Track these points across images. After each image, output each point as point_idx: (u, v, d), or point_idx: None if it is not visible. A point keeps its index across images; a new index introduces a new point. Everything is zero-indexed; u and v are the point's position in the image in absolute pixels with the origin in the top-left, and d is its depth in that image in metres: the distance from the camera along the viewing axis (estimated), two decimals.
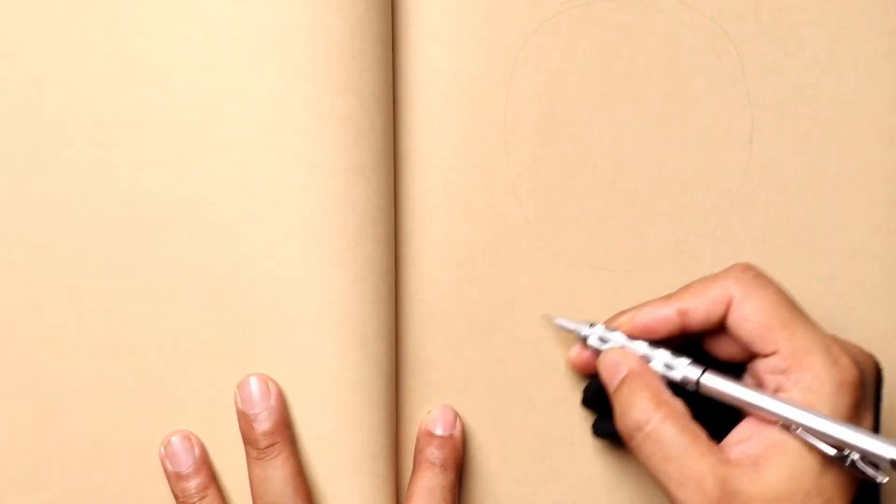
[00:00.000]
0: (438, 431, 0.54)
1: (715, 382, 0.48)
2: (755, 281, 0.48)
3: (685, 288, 0.50)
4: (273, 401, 0.51)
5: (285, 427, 0.51)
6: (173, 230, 0.51)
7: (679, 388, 0.49)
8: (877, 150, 0.56)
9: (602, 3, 0.54)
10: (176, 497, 0.52)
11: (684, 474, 0.46)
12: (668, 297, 0.50)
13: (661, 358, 0.49)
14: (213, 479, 0.52)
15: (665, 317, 0.50)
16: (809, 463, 0.46)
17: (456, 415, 0.54)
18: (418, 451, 0.54)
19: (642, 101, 0.55)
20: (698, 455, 0.46)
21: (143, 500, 0.53)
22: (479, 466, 0.55)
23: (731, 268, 0.49)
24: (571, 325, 0.52)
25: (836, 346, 0.47)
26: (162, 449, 0.52)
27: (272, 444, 0.51)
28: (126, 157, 0.51)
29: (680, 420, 0.47)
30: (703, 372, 0.48)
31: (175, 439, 0.52)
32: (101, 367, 0.52)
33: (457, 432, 0.54)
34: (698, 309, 0.49)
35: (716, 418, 0.48)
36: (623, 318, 0.51)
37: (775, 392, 0.47)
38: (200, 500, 0.51)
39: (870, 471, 0.45)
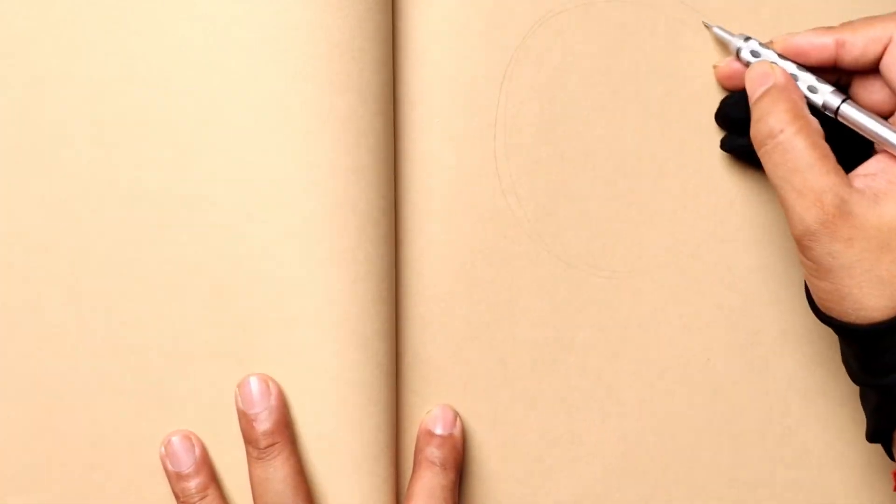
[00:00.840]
0: (438, 431, 0.54)
1: (853, 111, 0.49)
2: None
3: (847, 23, 0.50)
4: (273, 401, 0.51)
5: (285, 427, 0.51)
6: (173, 230, 0.51)
7: (818, 115, 0.49)
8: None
9: (602, 3, 0.54)
10: (176, 497, 0.52)
11: (807, 186, 0.46)
12: (829, 27, 0.50)
13: (807, 80, 0.50)
14: (213, 478, 0.52)
15: (821, 43, 0.50)
16: None
17: (456, 414, 0.54)
18: (418, 450, 0.54)
19: (642, 101, 0.55)
20: (824, 171, 0.46)
21: (143, 500, 0.53)
22: (479, 466, 0.55)
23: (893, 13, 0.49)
24: (727, 36, 0.53)
25: None
26: (162, 449, 0.52)
27: (272, 444, 0.51)
28: (126, 157, 0.51)
29: (813, 136, 0.47)
30: (845, 100, 0.49)
31: (175, 439, 0.52)
32: (101, 367, 0.52)
33: (457, 432, 0.54)
34: (856, 44, 0.49)
35: (848, 153, 0.49)
36: (779, 37, 0.51)
37: None
38: (201, 499, 0.51)
39: None
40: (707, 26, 0.54)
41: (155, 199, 0.51)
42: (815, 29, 0.50)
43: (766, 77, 0.50)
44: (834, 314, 0.48)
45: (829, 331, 0.53)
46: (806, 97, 0.50)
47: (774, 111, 0.48)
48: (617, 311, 0.55)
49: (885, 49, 0.48)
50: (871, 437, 0.49)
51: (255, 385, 0.51)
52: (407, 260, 0.54)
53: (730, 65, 0.53)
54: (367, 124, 0.51)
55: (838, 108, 0.49)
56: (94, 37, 0.51)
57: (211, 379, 0.52)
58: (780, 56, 0.51)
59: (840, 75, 0.51)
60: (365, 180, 0.51)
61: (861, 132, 0.49)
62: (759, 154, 0.49)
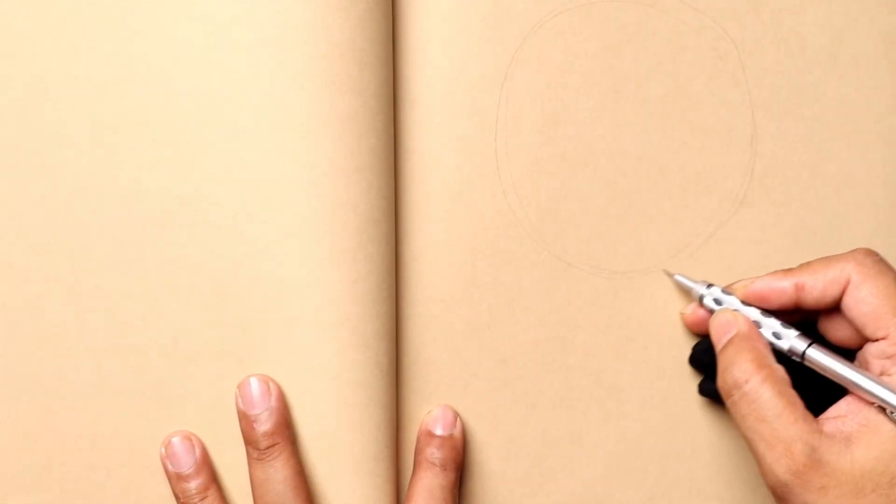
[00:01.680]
0: (438, 431, 0.54)
1: (820, 356, 0.49)
2: (875, 266, 0.49)
3: (805, 265, 0.50)
4: (274, 401, 0.51)
5: (286, 427, 0.51)
6: (174, 230, 0.51)
7: (784, 360, 0.49)
8: (877, 150, 0.56)
9: (603, 3, 0.54)
10: (176, 497, 0.52)
11: (775, 436, 0.46)
12: (788, 270, 0.51)
13: (771, 326, 0.50)
14: (213, 479, 0.52)
15: (781, 288, 0.50)
16: None
17: (456, 414, 0.54)
18: (418, 450, 0.54)
19: (643, 101, 0.55)
20: (792, 420, 0.47)
21: (143, 500, 0.53)
22: (480, 466, 0.55)
23: (853, 251, 0.50)
24: (690, 284, 0.54)
25: None
26: (163, 449, 0.52)
27: (273, 445, 0.50)
28: (126, 157, 0.51)
29: (779, 385, 0.48)
30: (810, 344, 0.49)
31: (176, 440, 0.52)
32: (101, 367, 0.52)
33: (457, 432, 0.54)
34: (815, 286, 0.50)
35: (816, 396, 0.49)
36: (739, 284, 0.52)
37: (880, 376, 0.48)
38: (201, 500, 0.51)
39: None
40: (668, 274, 0.55)
41: (155, 199, 0.51)
42: (774, 273, 0.51)
43: (728, 326, 0.50)
44: None
45: None
46: (771, 343, 0.50)
47: (738, 361, 0.48)
48: (617, 311, 0.55)
49: (843, 290, 0.49)
50: None
51: (255, 386, 0.51)
52: (407, 260, 0.54)
53: (695, 312, 0.54)
54: (367, 124, 0.51)
55: (804, 353, 0.49)
56: (94, 37, 0.50)
57: (211, 379, 0.52)
58: (743, 302, 0.52)
59: (806, 314, 0.51)
60: (365, 180, 0.51)
61: (829, 376, 0.49)
62: (727, 404, 0.49)
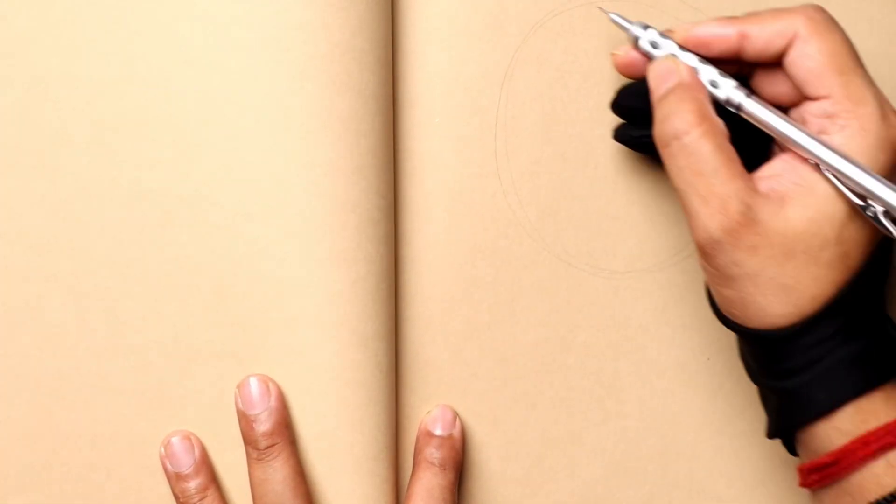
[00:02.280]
0: (438, 431, 0.54)
1: (758, 108, 0.47)
2: (825, 23, 0.47)
3: (752, 14, 0.48)
4: (273, 401, 0.51)
5: (285, 428, 0.51)
6: (174, 230, 0.51)
7: (719, 110, 0.48)
8: None
9: (603, 3, 0.54)
10: (176, 497, 0.52)
11: (711, 192, 0.45)
12: (733, 17, 0.48)
13: (709, 74, 0.48)
14: (213, 479, 0.52)
15: (724, 35, 0.48)
16: (834, 210, 0.45)
17: (455, 414, 0.54)
18: (418, 450, 0.54)
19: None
20: (729, 177, 0.45)
21: (143, 500, 0.53)
22: (479, 466, 0.55)
23: (803, 6, 0.48)
24: (625, 24, 0.50)
25: (890, 105, 0.47)
26: (162, 449, 0.52)
27: (272, 445, 0.50)
28: (126, 157, 0.51)
29: (719, 138, 0.46)
30: (748, 95, 0.48)
31: (175, 440, 0.52)
32: (101, 366, 0.52)
33: (456, 432, 0.54)
34: (760, 36, 0.47)
35: (749, 152, 0.47)
36: (680, 28, 0.49)
37: (818, 134, 0.46)
38: (200, 500, 0.51)
39: (891, 227, 0.45)
40: (603, 11, 0.52)
41: (155, 199, 0.51)
42: (718, 19, 0.48)
43: (670, 74, 0.48)
44: (737, 320, 0.48)
45: None
46: (708, 91, 0.48)
47: (679, 111, 0.47)
48: (618, 311, 0.55)
49: (789, 43, 0.47)
50: (772, 434, 0.49)
51: (254, 386, 0.51)
52: (407, 260, 0.54)
53: (628, 53, 0.50)
54: (367, 124, 0.51)
55: (741, 104, 0.47)
56: (94, 37, 0.50)
57: (211, 379, 0.52)
58: (680, 47, 0.49)
59: (742, 66, 0.49)
60: (365, 180, 0.51)
61: (765, 129, 0.47)
62: (663, 155, 0.47)
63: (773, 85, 0.49)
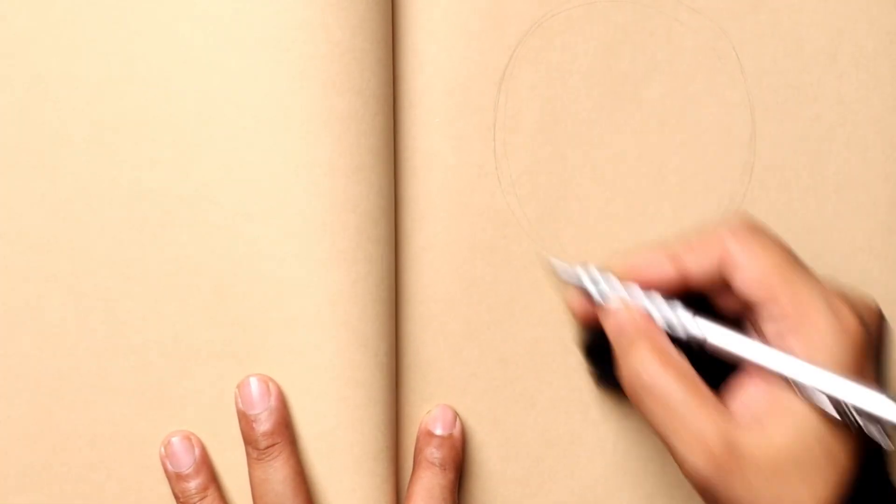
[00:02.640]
0: (438, 431, 0.54)
1: (722, 341, 0.47)
2: (753, 237, 0.48)
3: (685, 244, 0.49)
4: (273, 401, 0.51)
5: (285, 427, 0.51)
6: (173, 230, 0.51)
7: (677, 341, 0.48)
8: (877, 150, 0.56)
9: (602, 3, 0.54)
10: (176, 497, 0.52)
11: (690, 433, 0.46)
12: (670, 253, 0.49)
13: (663, 311, 0.49)
14: (213, 479, 0.52)
15: (666, 275, 0.49)
16: (815, 422, 0.45)
17: (455, 414, 0.54)
18: (418, 450, 0.54)
19: (642, 101, 0.55)
20: (705, 415, 0.46)
21: (143, 500, 0.53)
22: (479, 466, 0.55)
23: (726, 225, 0.48)
24: (568, 273, 0.52)
25: (838, 298, 0.47)
26: (162, 449, 0.52)
27: (272, 445, 0.51)
28: (126, 157, 0.51)
29: (686, 379, 0.47)
30: (700, 321, 0.48)
31: (175, 439, 0.52)
32: (101, 366, 0.52)
33: (456, 432, 0.54)
34: (698, 271, 0.48)
35: (712, 366, 0.48)
36: (616, 261, 0.50)
37: (778, 345, 0.47)
38: (200, 500, 0.51)
39: (875, 433, 0.45)
40: (546, 258, 0.54)
41: (155, 199, 0.51)
42: (654, 256, 0.49)
43: (625, 326, 0.49)
44: None
45: None
46: (668, 332, 0.49)
47: (643, 363, 0.47)
48: None
49: (727, 269, 0.48)
50: None
51: (255, 386, 0.51)
52: (407, 260, 0.54)
53: (582, 305, 0.52)
54: (367, 124, 0.51)
55: (704, 339, 0.48)
56: (94, 37, 0.51)
57: (211, 379, 0.52)
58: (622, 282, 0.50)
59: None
60: (365, 180, 0.51)
61: (733, 360, 0.48)
62: (633, 401, 0.48)
63: (725, 300, 0.49)
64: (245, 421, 0.51)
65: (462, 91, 0.54)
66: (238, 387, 0.52)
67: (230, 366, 0.52)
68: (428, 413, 0.54)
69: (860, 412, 0.45)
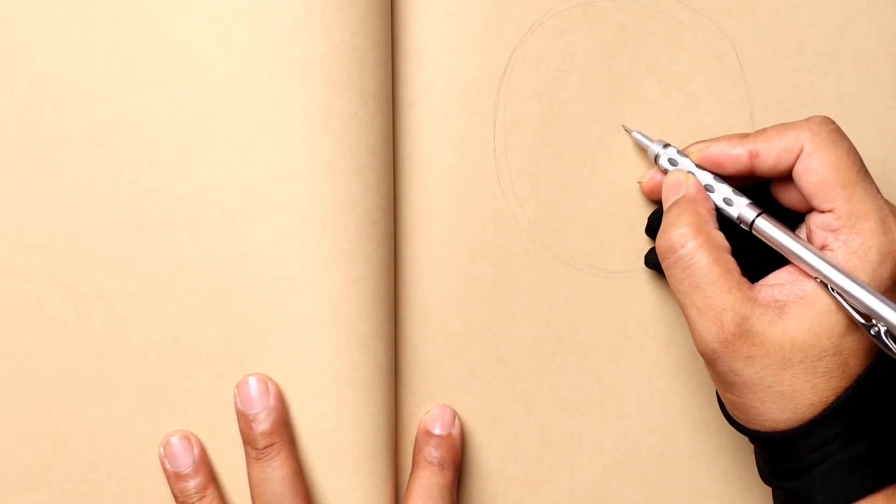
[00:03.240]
0: (437, 430, 0.54)
1: (767, 227, 0.49)
2: (829, 136, 0.48)
3: (761, 131, 0.50)
4: (272, 401, 0.51)
5: (284, 427, 0.51)
6: (173, 230, 0.51)
7: (731, 227, 0.49)
8: (877, 150, 0.56)
9: (601, 3, 0.54)
10: (175, 497, 0.52)
11: (706, 304, 0.47)
12: (744, 136, 0.50)
13: (723, 192, 0.50)
14: (212, 478, 0.52)
15: (736, 155, 0.50)
16: (833, 322, 0.46)
17: (454, 414, 0.54)
18: (417, 450, 0.54)
19: (641, 101, 0.55)
20: (725, 289, 0.46)
21: (143, 499, 0.53)
22: (479, 466, 0.55)
23: (809, 119, 0.49)
24: (646, 142, 0.53)
25: (893, 217, 0.47)
26: (161, 449, 0.52)
27: (271, 445, 0.51)
28: (126, 157, 0.51)
29: (715, 251, 0.47)
30: (759, 215, 0.49)
31: (174, 439, 0.52)
32: (101, 366, 0.52)
33: (455, 431, 0.54)
34: (769, 154, 0.49)
35: (761, 262, 0.49)
36: (694, 147, 0.51)
37: (822, 248, 0.48)
38: (199, 499, 0.51)
39: (893, 345, 0.46)
40: (626, 130, 0.54)
41: (155, 199, 0.51)
42: (729, 138, 0.50)
43: (678, 186, 0.50)
44: (741, 422, 0.49)
45: None
46: (720, 209, 0.50)
47: (677, 224, 0.48)
48: (617, 311, 0.55)
49: (796, 158, 0.48)
50: None
51: (253, 385, 0.51)
52: (407, 260, 0.54)
53: (652, 178, 0.53)
54: (367, 124, 0.51)
55: (753, 222, 0.49)
56: (94, 37, 0.51)
57: (211, 379, 0.52)
58: (697, 166, 0.51)
59: (759, 179, 0.51)
60: (365, 180, 0.51)
61: (774, 247, 0.48)
62: (663, 267, 0.49)
63: (788, 194, 0.50)
64: (244, 420, 0.51)
65: (462, 91, 0.54)
66: (237, 386, 0.52)
67: (230, 366, 0.52)
68: (427, 413, 0.54)
69: (887, 329, 0.45)
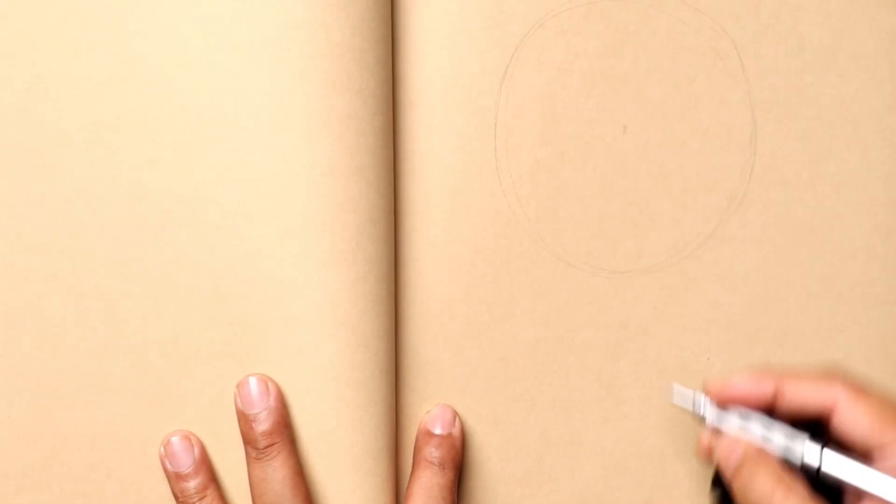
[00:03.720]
0: (437, 430, 0.54)
1: (837, 467, 0.48)
2: (863, 388, 0.48)
3: (790, 372, 0.50)
4: (272, 401, 0.51)
5: (284, 427, 0.51)
6: (174, 230, 0.51)
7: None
8: (877, 150, 0.56)
9: (603, 3, 0.54)
10: (176, 497, 0.52)
11: None
12: (768, 372, 0.50)
13: (779, 438, 0.49)
14: (212, 478, 0.52)
15: (760, 393, 0.50)
16: None
17: (455, 414, 0.54)
18: (417, 450, 0.54)
19: (643, 101, 0.55)
20: None
21: (143, 499, 0.53)
22: (479, 466, 0.55)
23: (838, 373, 0.49)
24: (690, 406, 0.52)
25: None
26: (162, 449, 0.52)
27: (271, 445, 0.51)
28: (126, 157, 0.51)
29: (804, 499, 0.47)
30: (823, 448, 0.48)
31: (175, 439, 0.52)
32: (101, 366, 0.52)
33: (455, 431, 0.54)
34: (795, 398, 0.49)
35: (826, 494, 0.48)
36: (714, 382, 0.51)
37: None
38: (200, 499, 0.51)
39: None
40: (673, 394, 0.53)
41: (155, 199, 0.51)
42: (756, 373, 0.50)
43: (734, 449, 0.49)
44: None
45: (828, 330, 0.53)
46: (783, 458, 0.49)
47: (756, 480, 0.48)
48: (617, 310, 0.55)
49: (826, 410, 0.48)
50: None
51: (254, 385, 0.51)
52: (407, 260, 0.54)
53: (703, 443, 0.51)
54: (367, 124, 0.51)
55: (819, 466, 0.48)
56: (94, 37, 0.51)
57: (211, 379, 0.52)
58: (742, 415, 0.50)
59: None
60: (365, 180, 0.51)
61: (849, 485, 0.47)
62: None
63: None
64: (244, 420, 0.51)
65: (462, 91, 0.54)
66: (237, 386, 0.52)
67: (230, 366, 0.52)
68: (427, 412, 0.54)
69: None
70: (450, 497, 0.52)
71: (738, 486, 0.49)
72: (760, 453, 0.49)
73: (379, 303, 0.52)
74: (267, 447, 0.51)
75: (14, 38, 0.51)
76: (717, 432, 0.50)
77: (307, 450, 0.52)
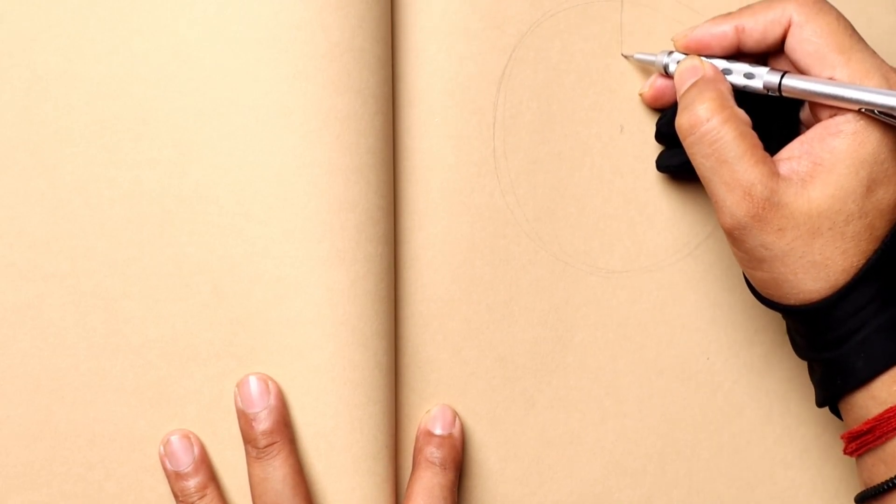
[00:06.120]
0: (437, 430, 0.54)
1: (795, 81, 0.48)
2: (816, 5, 0.48)
3: (745, 7, 0.50)
4: (272, 400, 0.51)
5: (285, 426, 0.51)
6: (173, 230, 0.51)
7: (747, 103, 0.49)
8: None
9: (600, 3, 0.54)
10: (175, 496, 0.52)
11: (735, 178, 0.47)
12: (727, 14, 0.50)
13: (740, 69, 0.50)
14: (212, 478, 0.52)
15: (721, 32, 0.50)
16: (855, 184, 0.46)
17: (455, 414, 0.54)
18: (417, 450, 0.54)
19: (640, 101, 0.55)
20: (752, 163, 0.47)
21: (143, 499, 0.53)
22: (479, 466, 0.55)
23: None
24: (650, 57, 0.53)
25: (894, 73, 0.47)
26: (161, 448, 0.52)
27: (271, 444, 0.51)
28: (126, 157, 0.51)
29: (741, 126, 0.47)
30: (783, 74, 0.48)
31: (174, 438, 0.52)
32: (101, 365, 0.52)
33: (456, 431, 0.54)
34: (755, 28, 0.49)
35: (773, 138, 0.49)
36: (678, 34, 0.51)
37: (829, 118, 0.47)
38: (200, 499, 0.51)
39: None
40: (627, 57, 0.54)
41: (155, 199, 0.51)
42: (712, 19, 0.50)
43: (694, 70, 0.50)
44: (774, 298, 0.49)
45: None
46: (745, 86, 0.49)
47: (700, 99, 0.48)
48: (616, 310, 0.55)
49: (785, 30, 0.48)
50: (820, 404, 0.50)
51: (254, 384, 0.51)
52: (406, 259, 0.54)
53: (654, 84, 0.53)
54: (366, 124, 0.51)
55: (780, 83, 0.48)
56: (94, 37, 0.51)
57: (210, 378, 0.52)
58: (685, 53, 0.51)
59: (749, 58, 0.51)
60: (364, 180, 0.51)
61: (809, 99, 0.48)
62: (686, 145, 0.48)
63: (778, 66, 0.50)
64: (244, 419, 0.51)
65: (462, 91, 0.54)
66: (237, 385, 0.52)
67: (230, 365, 0.52)
68: (427, 413, 0.54)
69: None
70: (451, 497, 0.52)
71: (682, 104, 0.49)
72: (717, 76, 0.49)
73: (379, 303, 0.52)
74: (267, 446, 0.51)
75: (14, 38, 0.51)
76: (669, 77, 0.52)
77: (307, 449, 0.52)
